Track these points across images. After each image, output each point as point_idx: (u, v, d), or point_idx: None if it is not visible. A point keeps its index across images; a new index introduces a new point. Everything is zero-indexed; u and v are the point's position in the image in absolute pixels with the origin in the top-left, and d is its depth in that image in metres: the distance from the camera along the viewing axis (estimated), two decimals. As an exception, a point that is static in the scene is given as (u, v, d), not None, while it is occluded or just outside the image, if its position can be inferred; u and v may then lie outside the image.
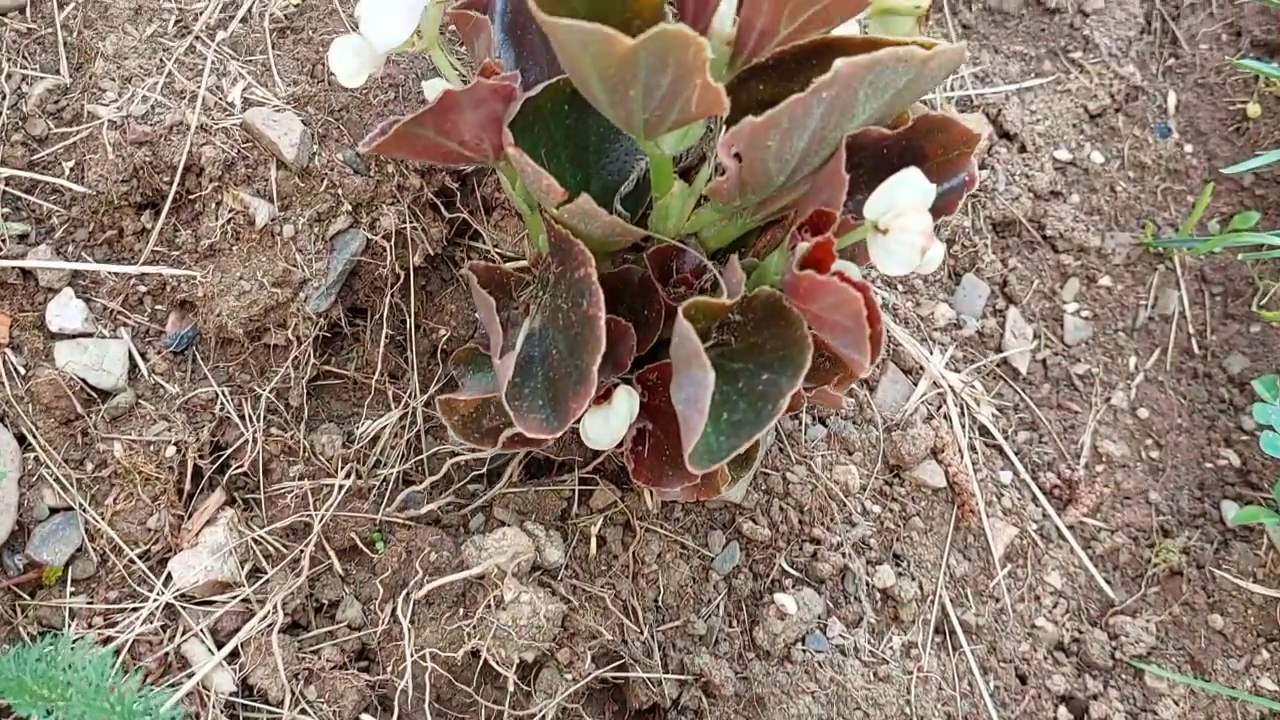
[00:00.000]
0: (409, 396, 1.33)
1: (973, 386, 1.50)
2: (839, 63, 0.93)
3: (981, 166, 1.64)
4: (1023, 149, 1.68)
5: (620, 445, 1.16)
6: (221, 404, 1.24)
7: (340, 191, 1.25)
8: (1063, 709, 1.39)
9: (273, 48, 1.28)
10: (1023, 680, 1.40)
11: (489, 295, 1.08)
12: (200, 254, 1.22)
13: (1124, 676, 1.42)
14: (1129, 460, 1.55)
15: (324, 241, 1.26)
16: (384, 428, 1.31)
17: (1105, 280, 1.64)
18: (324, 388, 1.33)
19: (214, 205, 1.22)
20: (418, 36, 1.09)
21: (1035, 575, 1.44)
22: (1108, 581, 1.47)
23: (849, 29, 1.10)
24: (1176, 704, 1.39)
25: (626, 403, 1.15)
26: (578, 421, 1.04)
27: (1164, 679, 1.41)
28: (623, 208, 1.18)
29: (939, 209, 1.11)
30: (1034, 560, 1.45)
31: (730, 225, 1.19)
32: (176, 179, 1.20)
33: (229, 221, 1.21)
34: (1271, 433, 1.41)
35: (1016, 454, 1.50)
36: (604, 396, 1.15)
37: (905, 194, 1.00)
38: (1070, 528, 1.48)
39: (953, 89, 1.69)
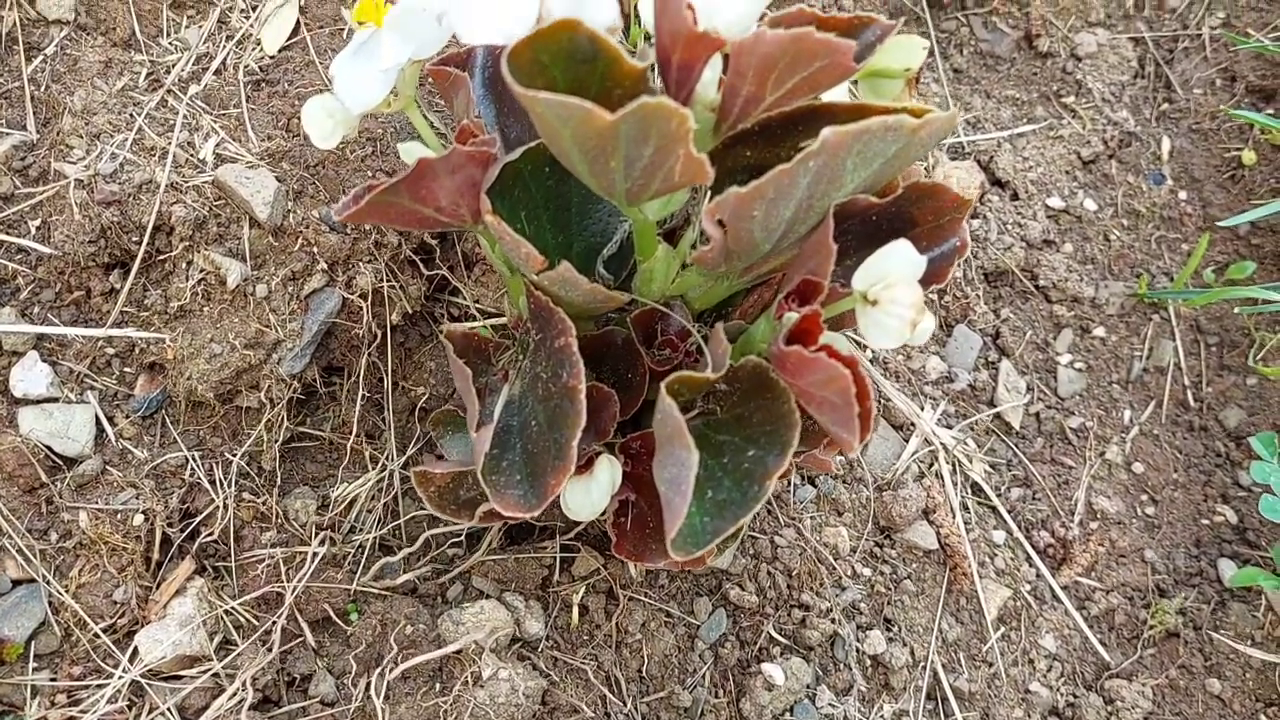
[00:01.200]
0: (386, 458, 1.30)
1: (965, 443, 1.46)
2: (826, 132, 0.90)
3: (974, 216, 1.61)
4: (1015, 197, 1.65)
5: (602, 515, 1.13)
6: (191, 469, 1.20)
7: (315, 249, 1.22)
8: (1058, 777, 1.36)
9: (247, 101, 1.25)
10: (1017, 747, 1.36)
11: (465, 365, 1.05)
12: (170, 315, 1.18)
13: (1120, 743, 1.38)
14: (1124, 517, 1.51)
15: (298, 301, 1.22)
16: (360, 491, 1.28)
17: (1099, 331, 1.61)
18: (298, 450, 1.29)
19: (184, 265, 1.18)
20: (393, 96, 1.06)
21: (1029, 638, 1.41)
22: (1103, 644, 1.43)
23: (838, 93, 1.07)
24: (1174, 772, 1.36)
25: (608, 473, 1.12)
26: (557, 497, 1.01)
27: (1161, 746, 1.37)
28: (605, 270, 1.15)
29: (930, 277, 1.08)
30: (1028, 622, 1.41)
31: (717, 287, 1.16)
32: (145, 239, 1.16)
33: (199, 282, 1.18)
34: (1270, 495, 1.38)
35: (1010, 512, 1.47)
36: (585, 466, 1.12)
37: (895, 266, 0.97)
38: (1065, 588, 1.45)
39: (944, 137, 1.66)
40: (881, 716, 1.31)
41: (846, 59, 0.91)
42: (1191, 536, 1.53)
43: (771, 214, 0.98)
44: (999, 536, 1.45)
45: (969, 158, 1.66)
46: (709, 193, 1.05)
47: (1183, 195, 1.72)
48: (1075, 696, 1.40)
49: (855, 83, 1.09)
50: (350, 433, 1.30)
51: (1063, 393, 1.58)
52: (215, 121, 1.23)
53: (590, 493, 1.11)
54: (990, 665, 1.39)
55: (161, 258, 1.19)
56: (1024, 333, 1.60)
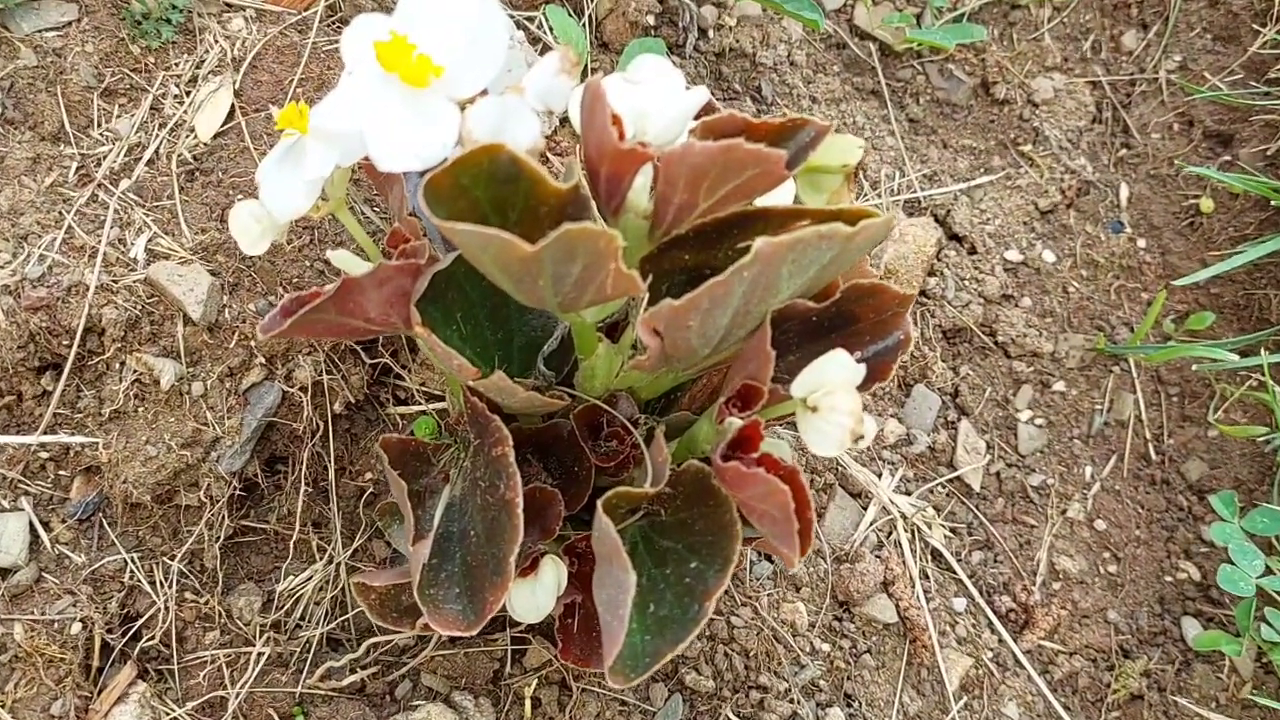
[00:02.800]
0: (333, 549, 1.27)
1: (924, 510, 1.44)
2: (759, 243, 0.88)
3: (930, 273, 1.59)
4: (972, 250, 1.63)
5: (549, 616, 1.11)
6: (131, 572, 1.18)
7: (253, 344, 1.19)
8: None
9: (180, 192, 1.22)
10: (981, 820, 1.34)
11: (400, 476, 1.02)
12: (104, 418, 1.16)
13: (1085, 811, 1.37)
14: (1087, 576, 1.50)
15: (236, 397, 1.19)
16: (306, 584, 1.25)
17: (1059, 385, 1.60)
18: (242, 544, 1.26)
19: (117, 367, 1.16)
20: (323, 200, 1.03)
21: (992, 707, 1.39)
22: (1066, 708, 1.42)
23: (781, 191, 1.04)
24: (1139, 841, 1.34)
25: (554, 574, 1.09)
26: (498, 611, 0.98)
27: (1126, 814, 1.36)
28: (546, 367, 1.13)
29: (874, 374, 1.06)
30: (990, 691, 1.40)
31: (662, 379, 1.14)
32: (76, 343, 1.14)
33: (133, 384, 1.15)
34: (1229, 566, 1.37)
35: (971, 577, 1.45)
36: (530, 567, 1.10)
37: (833, 374, 0.95)
38: (1027, 653, 1.43)
39: (899, 192, 1.64)
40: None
41: (778, 168, 0.89)
42: (1155, 594, 1.51)
43: (708, 323, 0.96)
44: (960, 604, 1.43)
45: (925, 213, 1.64)
46: (646, 295, 1.03)
47: (1141, 244, 1.70)
48: (1039, 765, 1.39)
49: (795, 178, 1.07)
50: (295, 524, 1.27)
51: (1023, 450, 1.56)
52: (147, 215, 1.20)
53: (535, 595, 1.09)
54: (953, 737, 1.37)
55: (94, 360, 1.16)
56: (983, 390, 1.58)
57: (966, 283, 1.60)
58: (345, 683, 1.19)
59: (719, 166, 0.90)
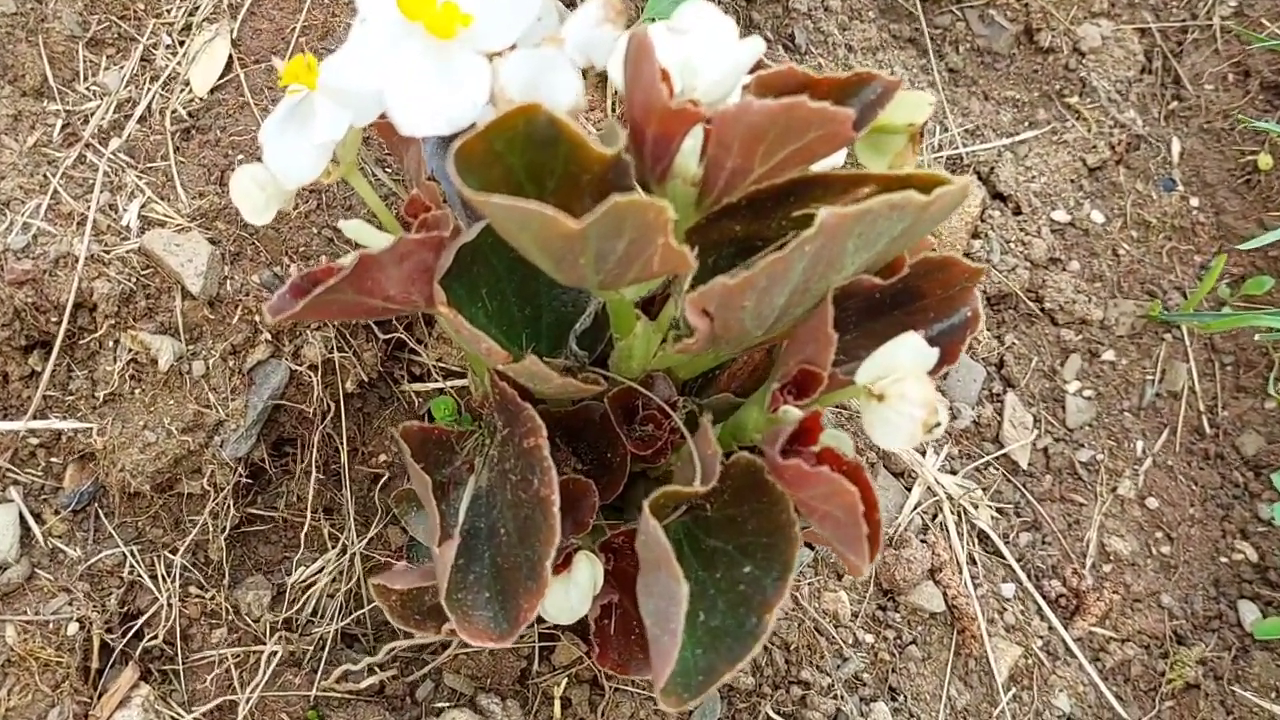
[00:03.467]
0: (345, 537, 1.18)
1: (970, 490, 1.36)
2: (824, 214, 0.79)
3: (975, 235, 1.49)
4: (1018, 211, 1.53)
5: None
6: (130, 566, 1.09)
7: (258, 319, 1.10)
8: (1074, 845, 1.27)
9: (175, 153, 1.11)
10: (1031, 815, 1.27)
11: (424, 470, 0.93)
12: (97, 401, 1.06)
13: (1139, 805, 1.29)
14: (1138, 558, 1.42)
15: (241, 377, 1.10)
16: (319, 576, 1.16)
17: (1109, 355, 1.50)
18: (249, 534, 1.18)
19: (111, 345, 1.06)
20: (333, 164, 0.93)
21: (1042, 699, 1.31)
22: (1119, 698, 1.34)
23: (836, 156, 0.94)
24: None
25: (589, 573, 1.01)
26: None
27: (1182, 809, 1.28)
28: (579, 346, 1.03)
29: (941, 356, 0.96)
30: (1040, 681, 1.32)
31: (703, 358, 1.04)
32: (65, 319, 1.04)
33: (129, 364, 1.06)
34: (1299, 551, 1.29)
35: (1019, 560, 1.37)
36: (563, 565, 1.01)
37: (905, 359, 0.86)
38: (1078, 640, 1.35)
39: (941, 148, 1.53)
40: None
41: (845, 128, 0.79)
42: (1209, 576, 1.43)
43: (764, 302, 0.86)
44: (1008, 590, 1.35)
45: (968, 170, 1.54)
46: (693, 269, 0.93)
47: (1194, 203, 1.60)
48: (1091, 757, 1.31)
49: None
50: (305, 511, 1.18)
51: (1071, 424, 1.47)
52: (140, 178, 1.10)
53: (569, 595, 1.00)
54: (1001, 730, 1.29)
55: (85, 338, 1.06)
56: (1030, 360, 1.49)
57: (1012, 245, 1.50)
58: (363, 685, 1.11)
59: (779, 127, 0.80)
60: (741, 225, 0.92)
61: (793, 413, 0.90)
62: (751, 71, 0.88)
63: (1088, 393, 1.50)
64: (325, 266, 0.90)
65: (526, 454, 0.92)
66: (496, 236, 0.96)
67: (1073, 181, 1.57)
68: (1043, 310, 1.51)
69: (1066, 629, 1.36)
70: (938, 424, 0.86)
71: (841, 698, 1.21)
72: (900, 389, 0.86)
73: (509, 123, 0.73)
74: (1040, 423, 1.47)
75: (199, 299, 1.06)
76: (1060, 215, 1.55)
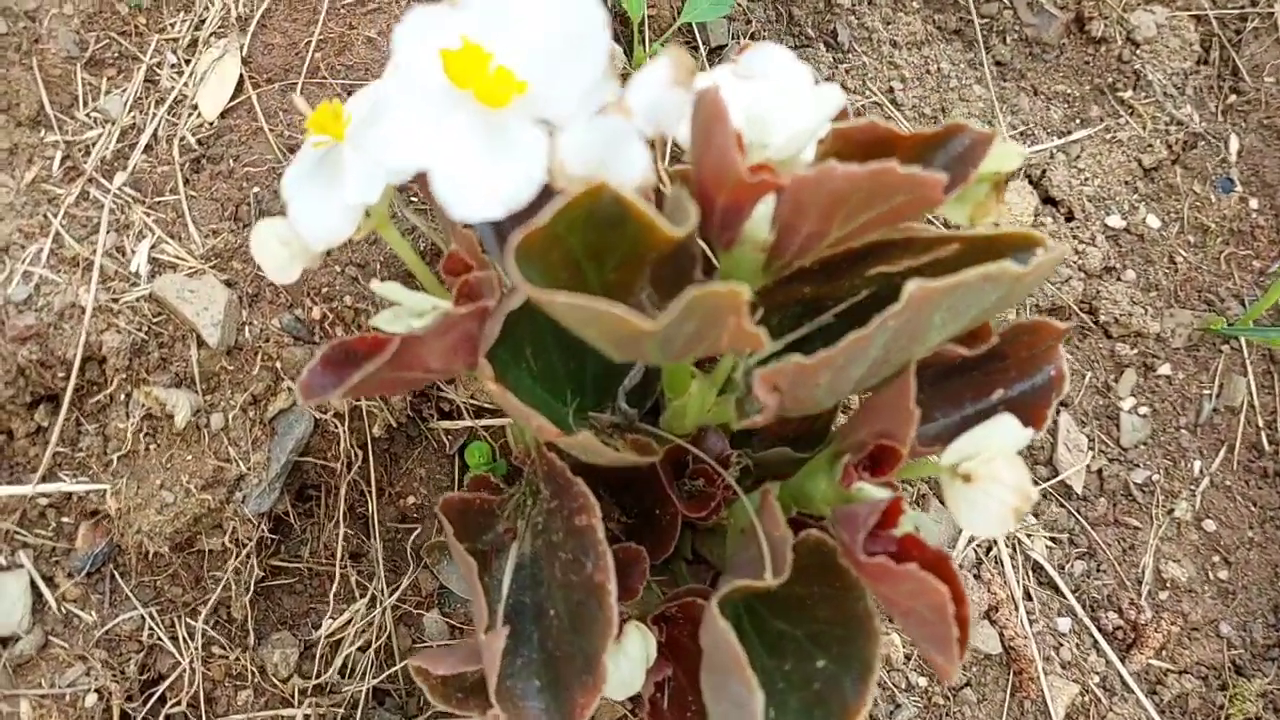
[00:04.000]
0: (375, 586, 1.12)
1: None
2: (911, 288, 0.71)
3: (1027, 246, 1.41)
4: (1070, 217, 1.45)
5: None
6: (149, 629, 1.03)
7: (279, 365, 1.03)
8: None
9: (185, 185, 1.03)
10: None
11: (470, 556, 0.86)
12: (109, 459, 0.99)
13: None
14: (1195, 584, 1.36)
15: (262, 426, 1.03)
16: (348, 628, 1.10)
17: (1165, 369, 1.43)
18: (273, 586, 1.11)
19: (123, 399, 0.99)
20: (365, 216, 0.85)
21: (1099, 736, 1.26)
22: (1177, 732, 1.29)
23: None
24: None
25: (640, 645, 0.94)
26: None
27: None
28: (628, 404, 0.96)
29: (1025, 421, 0.89)
30: (1097, 718, 1.26)
31: (759, 412, 0.97)
32: (74, 375, 0.96)
33: (143, 420, 0.98)
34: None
35: (1074, 592, 1.31)
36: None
37: (997, 441, 0.78)
38: (1135, 674, 1.29)
39: (991, 151, 1.44)
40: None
41: (935, 193, 0.71)
42: (1269, 603, 1.37)
43: (839, 378, 0.79)
44: (1064, 624, 1.29)
45: (1019, 175, 1.45)
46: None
47: (1254, 204, 1.52)
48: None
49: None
50: (334, 558, 1.11)
51: (1125, 443, 1.41)
52: (148, 215, 1.01)
53: (620, 669, 0.94)
54: (1057, 770, 1.24)
55: (96, 393, 0.99)
56: (1083, 376, 1.41)
57: (1066, 255, 1.42)
58: (397, 752, 1.05)
59: (863, 193, 0.72)
60: (811, 288, 0.85)
61: (869, 491, 0.83)
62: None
63: (1143, 410, 1.43)
64: (360, 338, 0.83)
65: (578, 532, 0.85)
66: (542, 295, 0.89)
67: (1127, 183, 1.49)
68: (1097, 323, 1.43)
69: (1123, 663, 1.31)
70: (1031, 509, 0.79)
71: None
72: (991, 471, 0.79)
73: (574, 207, 0.65)
74: (1094, 442, 1.40)
75: (216, 350, 0.99)
76: (1115, 220, 1.47)
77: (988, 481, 0.79)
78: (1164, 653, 1.33)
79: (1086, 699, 1.28)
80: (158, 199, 1.03)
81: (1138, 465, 1.41)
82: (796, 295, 0.85)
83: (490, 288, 0.81)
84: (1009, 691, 1.24)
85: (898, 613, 0.80)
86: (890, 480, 0.82)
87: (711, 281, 0.78)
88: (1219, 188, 1.52)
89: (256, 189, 1.05)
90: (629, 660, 0.95)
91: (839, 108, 0.77)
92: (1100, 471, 1.40)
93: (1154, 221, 1.48)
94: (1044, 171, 1.47)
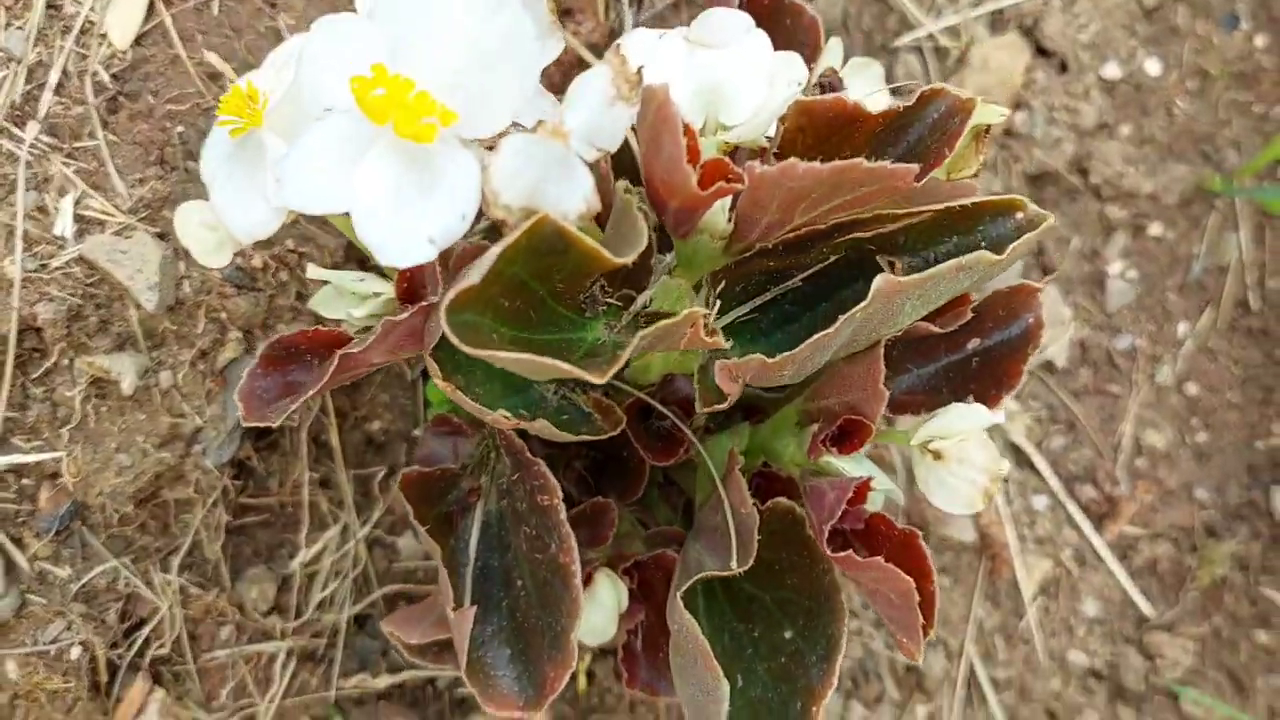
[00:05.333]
0: (346, 515, 1.12)
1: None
2: (879, 283, 0.69)
3: (1018, 107, 1.34)
4: (1063, 68, 1.38)
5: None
6: (125, 579, 1.04)
7: (224, 316, 1.00)
8: (1093, 742, 1.31)
9: (104, 129, 0.97)
10: (1053, 717, 1.29)
11: (435, 539, 0.86)
12: (60, 423, 0.97)
13: (1159, 701, 1.32)
14: (1173, 449, 1.38)
15: (214, 378, 1.01)
16: (323, 555, 1.11)
17: (1155, 228, 1.40)
18: (243, 526, 1.11)
19: (66, 365, 0.96)
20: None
21: (1069, 606, 1.31)
22: (1145, 594, 1.34)
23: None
24: (1214, 730, 1.31)
25: (612, 594, 0.96)
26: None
27: (1201, 705, 1.31)
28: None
29: (997, 374, 0.87)
30: (1068, 590, 1.31)
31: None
32: (11, 348, 0.93)
33: (90, 385, 0.96)
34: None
35: (1053, 466, 1.33)
36: (585, 580, 0.95)
37: (967, 424, 0.77)
38: (1107, 544, 1.33)
39: (981, 1, 1.35)
40: (913, 717, 1.23)
41: (906, 182, 0.66)
42: (1244, 464, 1.39)
43: (804, 366, 0.76)
44: (1040, 502, 1.31)
45: (1009, 26, 1.36)
46: (716, 303, 0.82)
47: (1259, 42, 1.43)
48: (1115, 655, 1.32)
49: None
50: (301, 489, 1.11)
51: (1111, 308, 1.39)
52: (68, 166, 0.95)
53: (592, 615, 0.96)
54: (1027, 642, 1.29)
55: (38, 362, 0.96)
56: (1069, 241, 1.38)
57: (1057, 114, 1.36)
58: (383, 684, 1.08)
59: (827, 186, 0.67)
60: (776, 260, 0.81)
61: (836, 465, 0.82)
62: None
63: (1130, 274, 1.40)
64: (300, 333, 0.80)
65: (541, 510, 0.85)
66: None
67: (1126, 26, 1.40)
68: (1087, 185, 1.38)
69: (1098, 534, 1.34)
70: (995, 494, 0.78)
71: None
72: (962, 452, 0.78)
73: (511, 249, 0.60)
74: (1078, 310, 1.38)
75: (156, 312, 0.95)
76: (1111, 70, 1.39)
77: (958, 464, 0.78)
78: (1137, 519, 1.36)
79: (1059, 572, 1.32)
80: (76, 145, 0.96)
81: (1121, 331, 1.39)
82: (760, 267, 0.81)
83: (433, 281, 0.77)
84: (981, 574, 1.27)
85: (865, 592, 0.81)
86: (865, 480, 0.80)
87: (669, 281, 0.75)
88: (1223, 25, 1.43)
89: (180, 128, 0.98)
90: (601, 609, 0.96)
91: (803, 79, 0.71)
92: (1083, 342, 1.38)
93: (1153, 68, 1.41)
94: (1037, 20, 1.38)
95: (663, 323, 0.63)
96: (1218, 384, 1.41)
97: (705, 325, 0.68)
